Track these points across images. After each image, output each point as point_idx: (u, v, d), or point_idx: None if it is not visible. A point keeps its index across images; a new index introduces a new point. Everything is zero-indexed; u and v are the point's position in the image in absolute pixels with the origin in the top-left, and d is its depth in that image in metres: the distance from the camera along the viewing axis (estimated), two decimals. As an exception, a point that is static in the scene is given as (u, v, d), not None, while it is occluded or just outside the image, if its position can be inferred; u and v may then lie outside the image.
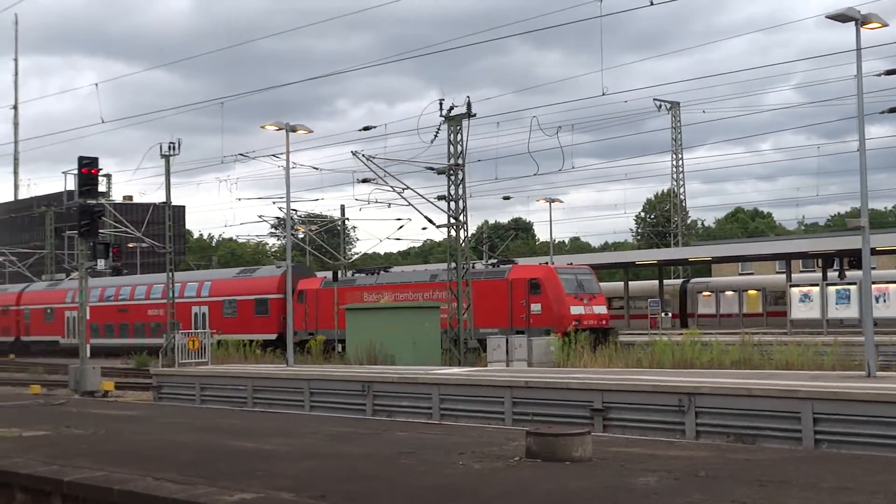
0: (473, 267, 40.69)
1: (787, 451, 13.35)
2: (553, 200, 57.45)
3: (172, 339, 34.09)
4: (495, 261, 45.30)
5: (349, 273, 51.35)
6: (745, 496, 8.83)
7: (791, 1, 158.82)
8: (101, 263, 30.90)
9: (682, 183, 79.52)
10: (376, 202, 45.95)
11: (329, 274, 50.70)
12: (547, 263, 43.77)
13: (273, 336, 47.66)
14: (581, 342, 28.91)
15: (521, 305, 39.36)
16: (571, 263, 45.39)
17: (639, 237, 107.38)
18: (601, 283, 46.29)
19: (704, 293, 63.39)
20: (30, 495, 11.27)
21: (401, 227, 78.76)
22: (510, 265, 42.87)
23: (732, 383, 16.89)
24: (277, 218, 63.82)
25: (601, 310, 40.26)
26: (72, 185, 29.40)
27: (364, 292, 46.69)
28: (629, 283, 63.90)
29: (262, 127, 32.53)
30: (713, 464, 10.99)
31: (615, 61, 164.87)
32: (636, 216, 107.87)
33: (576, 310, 38.53)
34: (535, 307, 38.73)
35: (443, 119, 35.24)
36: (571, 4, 26.37)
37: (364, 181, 41.01)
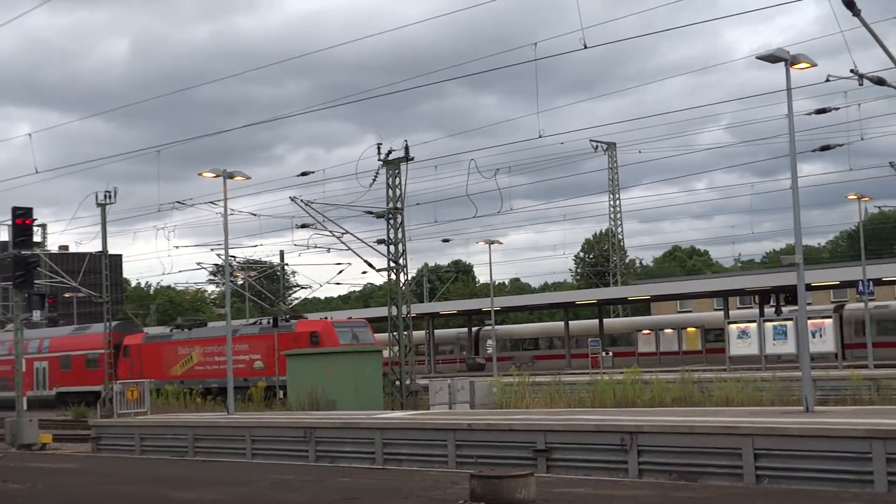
0: (269, 323, 47.77)
1: (728, 487, 13.47)
2: (492, 242, 57.68)
3: (110, 390, 33.59)
4: (288, 317, 50.39)
5: (169, 329, 54.80)
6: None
7: (723, 43, 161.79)
8: (36, 314, 30.47)
9: (619, 222, 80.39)
10: (315, 247, 45.85)
11: (150, 330, 55.92)
12: (327, 319, 49.00)
13: (98, 387, 50.51)
14: (524, 384, 28.97)
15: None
16: (350, 318, 50.19)
17: (578, 277, 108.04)
18: (544, 323, 47.95)
19: (644, 332, 63.97)
20: (-35, 553, 11.02)
21: (340, 272, 78.69)
22: (297, 320, 48.27)
23: (674, 421, 17.01)
24: (216, 265, 63.54)
25: None
26: (5, 236, 29.03)
27: (178, 346, 51.38)
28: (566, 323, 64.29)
29: (200, 174, 32.31)
30: (657, 503, 11.05)
31: (551, 104, 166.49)
32: (575, 256, 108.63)
33: None
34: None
35: (381, 163, 35.33)
36: (507, 48, 26.70)
37: (303, 226, 40.92)
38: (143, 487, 14.63)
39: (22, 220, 28.11)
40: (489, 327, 73.34)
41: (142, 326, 57.77)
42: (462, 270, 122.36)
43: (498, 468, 14.40)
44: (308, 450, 21.19)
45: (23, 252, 28.21)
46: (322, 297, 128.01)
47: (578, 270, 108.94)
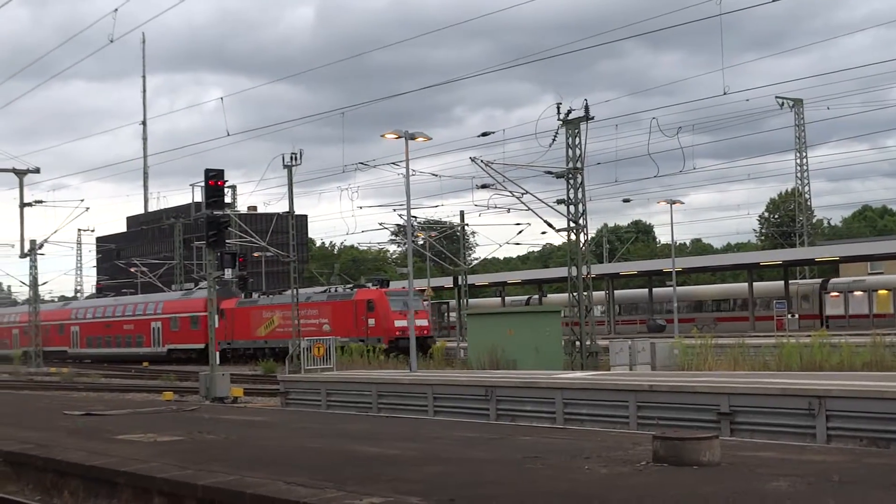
0: (336, 291, 55.33)
1: (924, 455, 12.96)
2: (674, 202, 56.83)
3: (298, 346, 34.67)
4: (352, 285, 57.55)
5: (255, 295, 61.62)
6: (882, 501, 8.59)
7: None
8: (227, 272, 31.58)
9: (806, 181, 77.90)
10: (495, 207, 46.08)
11: (243, 295, 62.05)
12: (381, 289, 53.45)
13: (202, 346, 57.50)
14: (707, 346, 28.53)
15: (362, 320, 50.03)
16: (404, 287, 54.23)
17: (763, 238, 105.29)
18: (726, 284, 47.99)
19: (832, 294, 61.91)
20: (166, 499, 11.61)
21: (520, 232, 78.37)
22: (356, 290, 54.21)
23: (864, 386, 16.44)
24: (398, 225, 64.52)
25: (422, 322, 49.11)
26: (199, 197, 30.16)
27: (263, 311, 58.12)
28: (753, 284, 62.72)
29: (382, 136, 32.94)
30: (847, 468, 10.72)
31: (734, 60, 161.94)
32: (759, 216, 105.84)
33: (399, 322, 47.45)
34: (371, 321, 48.89)
35: (560, 123, 35.12)
36: (689, 4, 26.05)
37: (483, 187, 41.12)
38: (330, 441, 15.07)
39: (214, 181, 29.13)
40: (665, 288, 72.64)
41: (238, 291, 63.41)
42: (642, 231, 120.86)
43: (680, 430, 14.22)
44: (489, 408, 21.39)
45: (215, 212, 29.22)
46: (501, 258, 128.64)
47: (763, 231, 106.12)
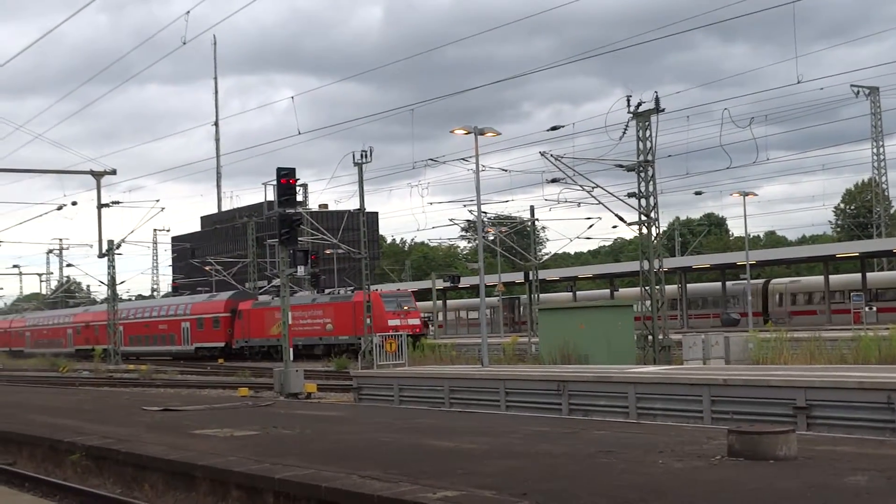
0: (337, 293, 60.47)
1: None
2: (746, 194, 56.10)
3: (370, 342, 34.90)
4: (352, 287, 61.78)
5: (271, 297, 64.58)
6: (963, 496, 8.45)
7: None
8: (300, 270, 31.87)
9: (883, 171, 76.39)
10: (565, 202, 45.83)
11: (259, 297, 67.43)
12: (377, 291, 58.42)
13: (222, 344, 66.03)
14: (782, 340, 28.18)
15: (361, 320, 51.97)
16: (399, 290, 59.96)
17: (838, 229, 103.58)
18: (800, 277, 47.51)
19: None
20: (243, 492, 11.78)
21: (591, 227, 78.62)
22: (355, 292, 57.63)
23: (946, 379, 16.13)
24: (468, 221, 64.57)
25: (414, 321, 55.36)
26: (271, 195, 30.37)
27: (276, 311, 58.49)
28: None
29: (452, 131, 32.98)
30: (929, 463, 10.55)
31: (807, 49, 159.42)
32: (835, 208, 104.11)
33: (392, 321, 53.01)
34: (368, 321, 50.39)
35: (630, 116, 34.86)
36: (761, -7, 25.69)
37: (553, 181, 40.97)
38: (404, 435, 15.16)
39: (286, 179, 29.40)
40: (739, 282, 71.95)
41: (255, 293, 69.90)
42: (714, 224, 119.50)
43: (756, 424, 14.08)
44: (561, 403, 21.36)
45: (287, 210, 29.51)
46: (572, 253, 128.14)
47: (839, 222, 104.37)
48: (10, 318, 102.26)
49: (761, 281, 73.09)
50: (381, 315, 53.23)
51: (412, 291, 62.93)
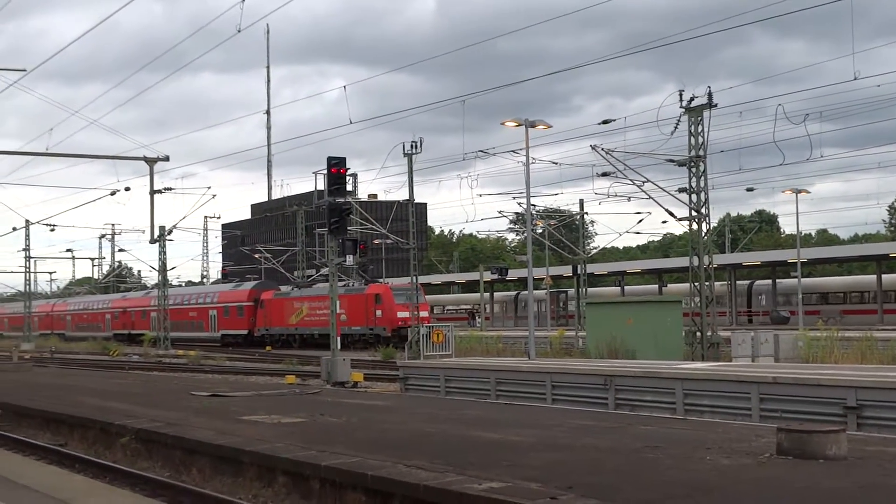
0: (351, 285, 61.00)
1: None
2: (799, 191, 55.53)
3: (417, 333, 34.97)
4: (366, 278, 63.75)
5: (291, 287, 68.43)
6: None
7: None
8: (349, 259, 32.00)
9: (940, 170, 75.22)
10: (615, 196, 45.57)
11: (281, 287, 70.06)
12: (388, 284, 61.76)
13: (245, 332, 68.85)
14: (832, 338, 27.88)
15: (372, 311, 56.80)
16: (409, 283, 60.69)
17: (893, 228, 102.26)
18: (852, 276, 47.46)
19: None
20: (290, 478, 11.87)
21: (640, 221, 77.62)
22: (368, 285, 60.75)
23: None
24: (516, 213, 64.42)
25: (423, 314, 54.75)
26: (321, 184, 30.50)
27: (294, 301, 64.80)
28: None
29: (502, 123, 32.85)
30: (981, 466, 10.39)
31: (863, 46, 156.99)
32: (889, 206, 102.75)
33: (402, 314, 54.61)
34: (378, 312, 54.88)
35: (682, 111, 34.59)
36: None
37: (603, 175, 40.68)
38: (449, 426, 15.18)
39: (336, 169, 29.53)
40: (765, 281, 71.35)
41: (276, 284, 72.03)
42: (766, 221, 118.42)
43: (805, 423, 13.95)
44: (607, 397, 21.30)
45: (337, 200, 29.64)
46: (620, 247, 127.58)
47: (893, 221, 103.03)
48: (52, 303, 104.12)
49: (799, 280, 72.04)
50: (392, 307, 56.97)
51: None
